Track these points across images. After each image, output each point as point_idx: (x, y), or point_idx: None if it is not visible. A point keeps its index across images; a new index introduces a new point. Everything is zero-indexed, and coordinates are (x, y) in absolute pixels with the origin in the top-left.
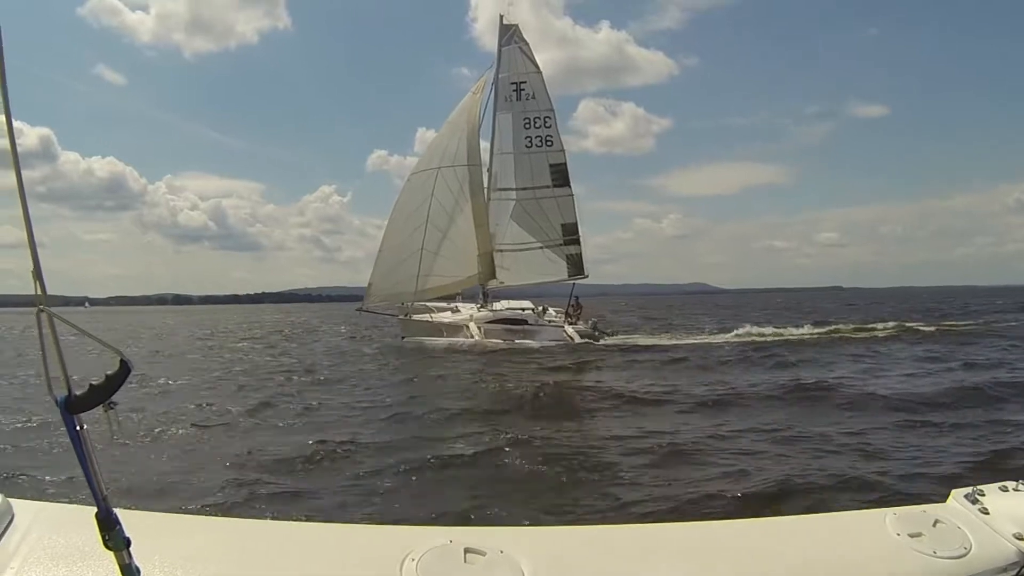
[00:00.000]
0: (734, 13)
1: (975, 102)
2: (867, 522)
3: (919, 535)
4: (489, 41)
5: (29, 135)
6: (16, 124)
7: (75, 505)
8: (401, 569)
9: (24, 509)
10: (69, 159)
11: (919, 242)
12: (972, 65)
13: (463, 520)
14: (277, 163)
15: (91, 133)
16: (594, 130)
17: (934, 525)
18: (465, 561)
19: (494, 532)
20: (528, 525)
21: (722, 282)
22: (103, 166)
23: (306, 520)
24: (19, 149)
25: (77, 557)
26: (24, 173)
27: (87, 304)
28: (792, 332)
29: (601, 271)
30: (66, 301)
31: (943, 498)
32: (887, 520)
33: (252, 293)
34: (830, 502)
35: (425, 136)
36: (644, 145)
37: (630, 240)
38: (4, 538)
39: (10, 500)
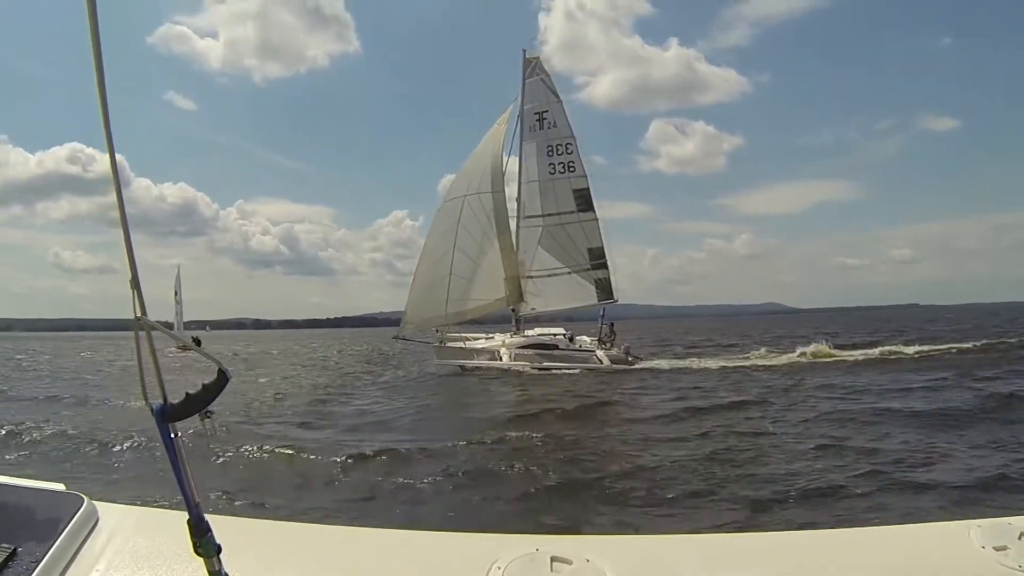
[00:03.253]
0: (802, 27)
1: None
2: (951, 534)
3: (1004, 548)
4: (558, 63)
5: (102, 161)
6: (90, 151)
7: (159, 509)
8: None
9: (109, 512)
10: (141, 185)
11: (994, 257)
12: None
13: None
14: (348, 187)
15: (163, 159)
16: (666, 149)
17: (1019, 538)
18: (552, 570)
19: (580, 540)
20: (614, 534)
21: (795, 301)
22: (175, 192)
23: (395, 527)
24: (93, 176)
25: (162, 561)
26: (99, 199)
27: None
28: None
29: (675, 292)
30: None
31: None
32: (971, 532)
33: (332, 317)
34: None
35: (510, 161)
36: (715, 164)
37: (703, 260)
38: (90, 540)
39: (95, 503)
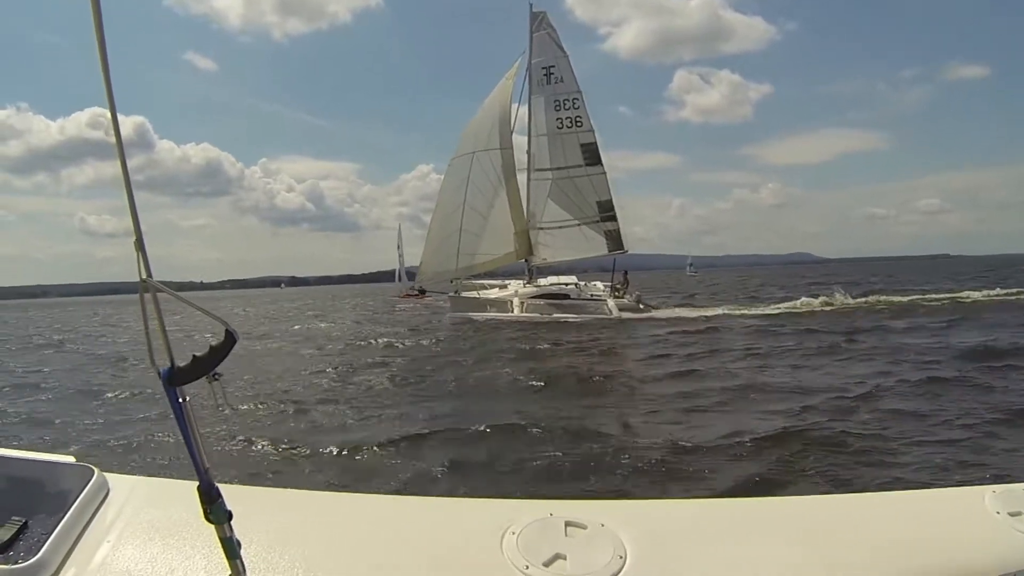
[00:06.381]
0: None
1: None
2: (965, 499)
3: (1019, 513)
4: (581, 14)
5: (124, 124)
6: (111, 114)
7: (170, 479)
8: (502, 542)
9: (120, 483)
10: (164, 147)
11: None
12: None
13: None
14: (373, 143)
15: (185, 120)
16: (691, 99)
17: None
18: (566, 534)
19: (595, 505)
20: (629, 498)
21: (824, 251)
22: (198, 152)
23: (407, 494)
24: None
25: (173, 530)
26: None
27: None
28: None
29: (702, 242)
30: (179, 287)
31: None
32: (986, 498)
33: (366, 272)
34: None
35: (520, 112)
36: (742, 113)
37: (729, 211)
38: (101, 511)
39: (106, 474)
